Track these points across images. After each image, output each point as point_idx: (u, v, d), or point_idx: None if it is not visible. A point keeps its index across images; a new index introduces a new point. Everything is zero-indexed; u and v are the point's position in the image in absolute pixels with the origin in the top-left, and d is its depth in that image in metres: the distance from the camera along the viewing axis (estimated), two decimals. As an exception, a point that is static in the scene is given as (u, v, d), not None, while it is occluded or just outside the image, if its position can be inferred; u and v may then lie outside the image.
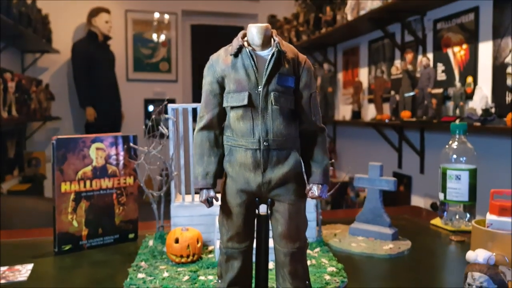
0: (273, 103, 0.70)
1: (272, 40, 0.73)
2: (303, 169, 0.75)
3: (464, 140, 1.39)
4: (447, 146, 1.41)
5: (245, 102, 0.70)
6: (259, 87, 0.71)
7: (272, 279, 0.86)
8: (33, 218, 2.08)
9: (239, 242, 0.76)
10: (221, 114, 0.75)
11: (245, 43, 0.72)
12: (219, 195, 0.77)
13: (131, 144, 1.27)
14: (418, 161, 3.11)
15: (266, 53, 0.72)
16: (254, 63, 0.71)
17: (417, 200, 3.13)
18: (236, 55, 0.72)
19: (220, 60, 0.74)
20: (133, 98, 5.21)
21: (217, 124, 0.75)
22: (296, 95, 0.73)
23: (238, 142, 0.72)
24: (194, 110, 1.19)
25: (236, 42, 0.72)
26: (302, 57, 0.75)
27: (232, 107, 0.72)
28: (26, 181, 4.18)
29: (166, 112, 1.19)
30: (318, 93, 0.76)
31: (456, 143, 1.39)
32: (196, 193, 1.22)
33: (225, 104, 0.73)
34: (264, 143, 0.71)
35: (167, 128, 1.18)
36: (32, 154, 4.47)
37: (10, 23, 3.14)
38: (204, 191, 0.75)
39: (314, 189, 0.74)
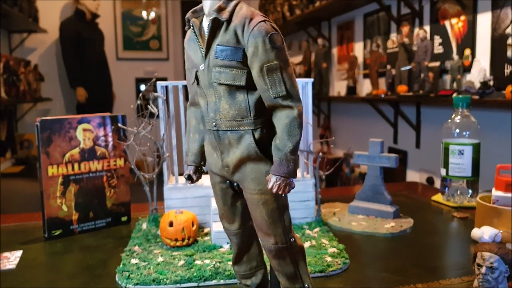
0: (213, 80, 0.63)
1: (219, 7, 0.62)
2: (266, 154, 0.64)
3: (467, 114, 1.34)
4: (449, 120, 1.36)
5: (192, 80, 0.67)
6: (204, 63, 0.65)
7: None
8: (27, 200, 2.03)
9: (228, 223, 0.73)
10: None
11: (191, 14, 0.67)
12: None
13: (120, 125, 1.21)
14: (414, 136, 3.07)
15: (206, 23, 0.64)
16: (196, 35, 0.65)
17: (412, 175, 3.11)
18: (190, 28, 0.67)
19: (187, 34, 0.70)
20: (124, 77, 5.12)
21: None
22: (250, 68, 0.62)
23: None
24: (185, 88, 1.13)
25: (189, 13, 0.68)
26: (254, 21, 0.60)
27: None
28: (19, 163, 4.13)
29: (155, 91, 1.13)
30: (282, 65, 0.61)
31: (459, 117, 1.35)
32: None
33: None
34: (213, 124, 0.65)
35: (157, 107, 1.13)
36: (23, 136, 4.39)
37: (-6, 2, 3.04)
38: (188, 167, 0.74)
39: (271, 180, 0.62)
